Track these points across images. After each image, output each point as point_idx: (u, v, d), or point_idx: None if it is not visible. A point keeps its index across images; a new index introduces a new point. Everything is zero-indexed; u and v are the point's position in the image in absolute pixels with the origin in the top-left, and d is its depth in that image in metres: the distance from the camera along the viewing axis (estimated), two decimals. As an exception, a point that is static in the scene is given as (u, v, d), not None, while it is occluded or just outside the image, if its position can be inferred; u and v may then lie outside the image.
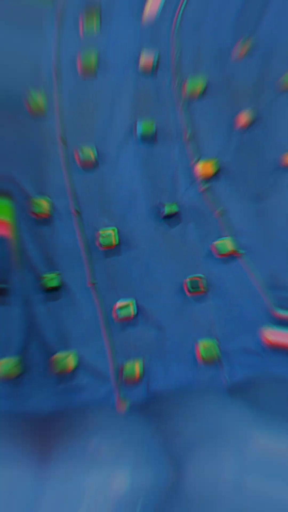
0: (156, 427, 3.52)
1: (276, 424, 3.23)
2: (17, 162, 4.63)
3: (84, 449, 3.10)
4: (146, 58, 5.16)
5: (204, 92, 5.13)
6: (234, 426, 3.31)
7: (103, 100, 5.05)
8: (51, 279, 4.41)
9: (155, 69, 5.17)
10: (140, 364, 4.20)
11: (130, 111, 5.02)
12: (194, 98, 5.11)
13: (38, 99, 4.89)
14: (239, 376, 4.19)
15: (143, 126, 4.94)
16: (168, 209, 4.72)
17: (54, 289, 4.40)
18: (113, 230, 4.59)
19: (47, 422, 3.68)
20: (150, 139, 4.96)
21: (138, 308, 4.40)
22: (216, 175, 4.88)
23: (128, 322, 4.38)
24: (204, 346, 4.29)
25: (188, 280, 4.51)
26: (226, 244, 4.64)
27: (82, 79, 5.10)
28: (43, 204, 4.58)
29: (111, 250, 4.59)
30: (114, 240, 4.57)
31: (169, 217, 4.73)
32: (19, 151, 4.67)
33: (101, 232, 4.58)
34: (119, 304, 4.40)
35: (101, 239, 4.57)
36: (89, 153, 4.81)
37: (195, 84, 5.13)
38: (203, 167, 4.90)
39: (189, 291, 4.51)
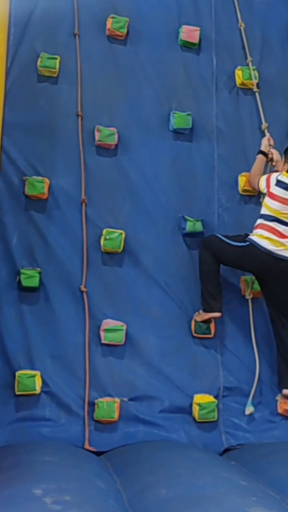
0: (124, 481, 2.88)
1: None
2: (15, 134, 3.77)
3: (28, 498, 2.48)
4: (190, 31, 4.20)
5: (257, 86, 4.21)
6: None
7: (132, 71, 4.09)
8: (30, 277, 3.64)
9: (199, 44, 4.19)
10: (113, 405, 3.53)
11: (164, 91, 4.08)
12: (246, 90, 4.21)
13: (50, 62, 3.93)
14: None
15: (178, 118, 4.01)
16: (191, 226, 3.86)
17: (31, 289, 3.63)
18: (121, 233, 3.80)
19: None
20: (185, 134, 4.04)
21: (129, 336, 3.65)
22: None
23: (114, 349, 3.65)
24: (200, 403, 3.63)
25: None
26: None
27: (108, 42, 4.09)
28: (39, 185, 3.76)
29: (113, 256, 3.80)
30: (120, 244, 3.78)
31: (190, 236, 3.90)
32: (22, 121, 3.80)
33: (106, 231, 3.79)
34: (108, 323, 3.65)
35: (105, 241, 3.78)
36: (110, 134, 3.95)
37: (247, 76, 4.20)
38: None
39: (196, 332, 3.75)
